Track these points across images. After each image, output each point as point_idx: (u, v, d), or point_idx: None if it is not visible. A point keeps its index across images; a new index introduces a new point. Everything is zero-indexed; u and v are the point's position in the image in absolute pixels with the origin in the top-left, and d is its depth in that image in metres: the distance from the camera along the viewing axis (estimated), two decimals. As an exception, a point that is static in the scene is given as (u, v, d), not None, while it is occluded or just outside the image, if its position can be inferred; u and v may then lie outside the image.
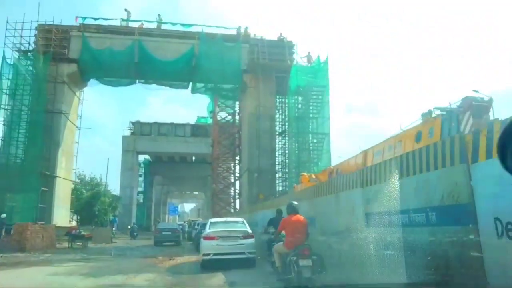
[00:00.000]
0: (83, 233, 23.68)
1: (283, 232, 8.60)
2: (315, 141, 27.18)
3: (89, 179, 40.52)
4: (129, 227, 40.06)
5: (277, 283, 8.35)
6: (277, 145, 29.26)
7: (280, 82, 28.26)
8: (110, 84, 31.08)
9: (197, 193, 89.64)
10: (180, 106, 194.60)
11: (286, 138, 28.63)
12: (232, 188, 42.34)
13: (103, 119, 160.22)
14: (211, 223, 13.71)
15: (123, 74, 29.85)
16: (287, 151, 28.67)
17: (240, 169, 39.72)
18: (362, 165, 15.29)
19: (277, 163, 28.86)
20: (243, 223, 13.63)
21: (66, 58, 28.05)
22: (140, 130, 53.05)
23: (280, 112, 29.51)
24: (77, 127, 30.99)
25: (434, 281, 4.88)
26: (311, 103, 27.29)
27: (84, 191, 37.98)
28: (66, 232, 23.52)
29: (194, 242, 22.61)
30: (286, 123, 28.58)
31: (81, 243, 23.20)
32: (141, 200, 63.19)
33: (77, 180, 36.60)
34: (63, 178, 28.59)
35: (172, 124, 53.96)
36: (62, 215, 28.80)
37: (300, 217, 8.39)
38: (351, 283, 7.11)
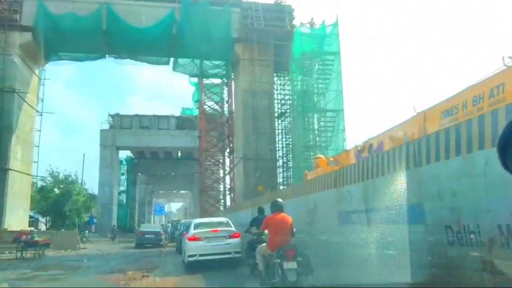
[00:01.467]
0: (36, 238, 17.95)
1: (266, 231, 7.71)
2: (322, 121, 21.88)
3: (63, 177, 34.55)
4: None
5: None
6: (276, 129, 23.92)
7: (279, 53, 22.94)
8: (75, 59, 25.36)
9: (184, 192, 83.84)
10: (163, 104, 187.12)
11: (289, 118, 23.29)
12: (222, 184, 36.91)
13: (84, 117, 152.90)
14: (195, 224, 13.10)
15: (90, 46, 24.21)
16: (289, 135, 23.31)
17: (230, 162, 34.41)
18: (418, 133, 10.20)
19: (277, 148, 23.53)
20: (228, 222, 13.26)
21: (18, 25, 22.25)
22: (120, 123, 47.18)
23: (279, 90, 24.17)
24: (37, 111, 25.18)
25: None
26: (319, 75, 21.99)
27: (57, 190, 32.03)
28: (13, 238, 17.75)
29: (177, 243, 21.02)
30: (289, 101, 23.20)
31: (34, 252, 17.57)
32: (124, 200, 57.34)
33: (46, 177, 30.80)
34: (19, 172, 22.74)
35: (154, 116, 48.20)
36: (19, 217, 22.97)
37: (285, 215, 7.48)
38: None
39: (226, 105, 35.39)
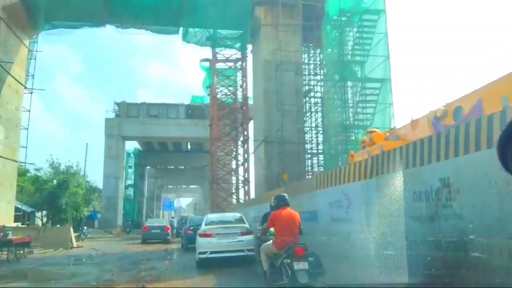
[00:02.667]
0: (10, 236, 13.95)
1: (271, 229, 6.67)
2: (362, 95, 17.59)
3: (64, 168, 30.71)
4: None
5: None
6: (304, 108, 19.75)
7: (308, 15, 18.74)
8: (70, 27, 21.28)
9: (193, 186, 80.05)
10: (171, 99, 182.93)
11: (320, 92, 19.10)
12: (234, 177, 32.91)
13: (91, 111, 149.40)
14: (207, 219, 12.21)
15: (88, 12, 20.20)
16: (319, 114, 19.12)
17: (244, 152, 30.37)
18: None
19: (306, 129, 19.39)
20: (241, 218, 12.15)
21: (-1, -18, 18.35)
22: (126, 112, 43.26)
23: (308, 61, 19.93)
24: (26, 87, 21.24)
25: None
26: (358, 38, 17.65)
27: (55, 181, 28.10)
28: (-18, 236, 13.80)
29: (181, 239, 19.41)
30: (321, 71, 18.95)
31: (7, 253, 13.61)
32: (132, 194, 53.55)
33: (39, 168, 27.04)
34: (1, 157, 18.79)
35: (163, 104, 44.26)
36: (1, 210, 19.05)
37: (292, 211, 6.60)
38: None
39: (240, 90, 31.60)
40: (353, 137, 16.91)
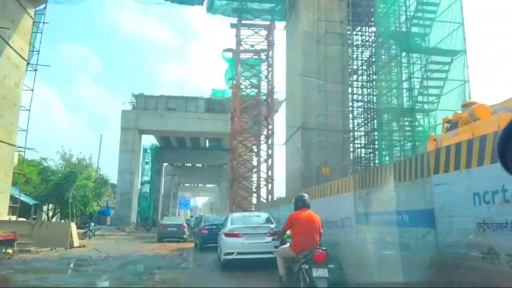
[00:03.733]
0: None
1: (288, 232, 6.19)
2: (428, 71, 13.92)
3: (76, 161, 27.84)
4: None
5: None
6: (349, 91, 16.21)
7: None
8: (79, -5, 18.32)
9: (210, 186, 77.13)
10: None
11: (371, 69, 15.56)
12: (255, 175, 29.55)
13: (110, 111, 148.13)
14: (232, 218, 11.05)
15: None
16: (369, 96, 15.53)
17: (267, 148, 27.09)
18: None
19: (352, 113, 15.90)
20: (269, 218, 11.03)
21: None
22: (144, 104, 40.38)
23: (356, 36, 16.38)
24: (29, 63, 18.30)
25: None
26: (422, 2, 13.98)
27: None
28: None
29: (195, 238, 18.77)
30: (375, 43, 15.34)
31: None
32: (148, 191, 50.69)
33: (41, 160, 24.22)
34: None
35: (182, 97, 41.22)
36: (-6, 201, 16.05)
37: (312, 213, 6.03)
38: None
39: (265, 81, 28.40)
40: (416, 123, 13.34)
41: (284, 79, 21.47)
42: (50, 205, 26.14)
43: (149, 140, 50.92)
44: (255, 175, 29.97)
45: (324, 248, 5.61)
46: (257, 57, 29.53)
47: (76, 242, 16.44)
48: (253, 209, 25.32)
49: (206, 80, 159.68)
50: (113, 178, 37.30)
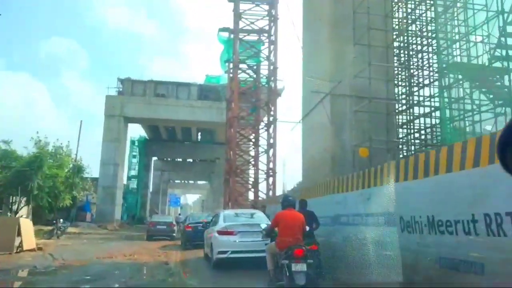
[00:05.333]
0: None
1: (276, 229, 6.38)
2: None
3: (53, 149, 23.26)
4: None
5: None
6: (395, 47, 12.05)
7: None
8: None
9: (201, 183, 72.94)
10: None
11: (427, 14, 11.41)
12: (253, 167, 25.30)
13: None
14: (224, 215, 10.32)
15: None
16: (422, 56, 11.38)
17: (268, 137, 22.97)
18: None
19: (400, 76, 11.77)
20: (262, 215, 10.37)
21: None
22: (131, 90, 35.89)
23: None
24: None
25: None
26: None
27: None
28: None
29: (181, 236, 17.60)
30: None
31: None
32: (135, 186, 46.18)
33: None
34: None
35: (173, 83, 36.84)
36: None
37: (296, 212, 6.39)
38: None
39: (266, 63, 24.36)
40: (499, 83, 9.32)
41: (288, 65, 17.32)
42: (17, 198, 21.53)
43: (137, 132, 46.52)
44: (252, 169, 25.79)
45: (304, 245, 5.80)
46: (257, 37, 25.57)
47: (30, 243, 12.03)
48: (248, 204, 21.39)
49: (198, 72, 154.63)
50: (96, 172, 32.82)
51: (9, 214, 20.21)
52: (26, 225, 12.18)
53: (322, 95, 11.25)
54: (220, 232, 9.28)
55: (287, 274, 5.47)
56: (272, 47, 23.90)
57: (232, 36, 25.55)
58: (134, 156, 47.34)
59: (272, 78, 24.14)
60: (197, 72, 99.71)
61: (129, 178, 45.75)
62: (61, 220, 17.96)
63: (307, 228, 6.43)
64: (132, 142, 46.08)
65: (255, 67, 25.65)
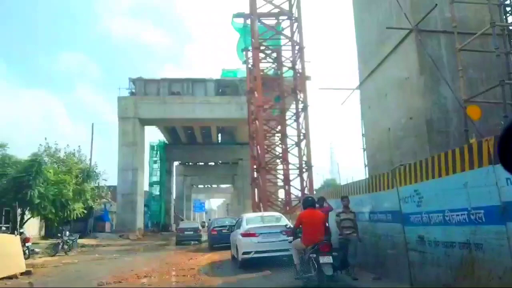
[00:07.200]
0: None
1: (300, 228, 7.01)
2: None
3: (64, 156, 20.31)
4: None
5: (295, 281, 6.81)
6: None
7: None
8: None
9: (224, 186, 69.86)
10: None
11: None
12: (283, 163, 21.81)
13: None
14: (247, 219, 11.04)
15: None
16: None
17: (299, 128, 19.50)
18: None
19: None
20: (281, 217, 11.12)
21: None
22: (144, 89, 32.88)
23: None
24: None
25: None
26: None
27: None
28: None
29: (208, 239, 18.49)
30: None
31: None
32: (157, 192, 43.12)
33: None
34: None
35: (188, 79, 33.58)
36: None
37: (316, 211, 7.05)
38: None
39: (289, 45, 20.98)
40: None
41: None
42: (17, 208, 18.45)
43: (155, 137, 43.65)
44: (281, 165, 22.28)
45: (329, 240, 6.68)
46: (275, 21, 22.28)
47: (11, 267, 8.76)
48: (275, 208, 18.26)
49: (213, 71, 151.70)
50: (115, 180, 29.87)
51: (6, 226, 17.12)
52: (6, 242, 8.92)
53: (395, 42, 7.61)
54: (244, 235, 9.85)
55: (315, 266, 6.07)
56: (296, 25, 20.48)
57: (248, 21, 22.31)
58: (155, 162, 44.39)
59: (299, 61, 20.67)
60: (211, 71, 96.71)
61: (151, 184, 42.83)
62: (67, 232, 14.76)
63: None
64: (152, 147, 43.27)
65: (277, 51, 22.30)
